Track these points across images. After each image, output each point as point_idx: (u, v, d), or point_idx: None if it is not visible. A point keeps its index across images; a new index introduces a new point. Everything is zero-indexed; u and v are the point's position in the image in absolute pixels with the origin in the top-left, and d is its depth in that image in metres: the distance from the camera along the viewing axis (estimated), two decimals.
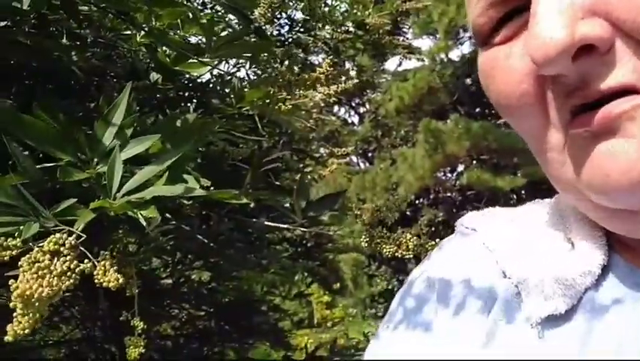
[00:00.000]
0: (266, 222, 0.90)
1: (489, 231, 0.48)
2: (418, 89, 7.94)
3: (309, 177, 1.52)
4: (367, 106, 10.25)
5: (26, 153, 0.59)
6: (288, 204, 0.93)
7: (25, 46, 0.76)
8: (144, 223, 0.55)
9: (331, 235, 2.41)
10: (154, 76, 1.02)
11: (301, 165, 1.95)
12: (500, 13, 0.37)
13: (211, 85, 1.32)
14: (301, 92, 1.00)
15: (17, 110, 0.68)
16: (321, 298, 7.63)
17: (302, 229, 0.78)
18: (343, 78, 1.18)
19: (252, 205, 0.91)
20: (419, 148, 7.61)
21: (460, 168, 8.56)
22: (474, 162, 8.01)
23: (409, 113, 8.61)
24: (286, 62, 1.00)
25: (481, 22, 0.38)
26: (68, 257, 0.47)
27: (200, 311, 2.11)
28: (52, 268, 0.46)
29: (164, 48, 0.96)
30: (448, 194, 8.87)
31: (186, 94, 1.31)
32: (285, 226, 0.83)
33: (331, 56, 1.57)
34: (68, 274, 0.47)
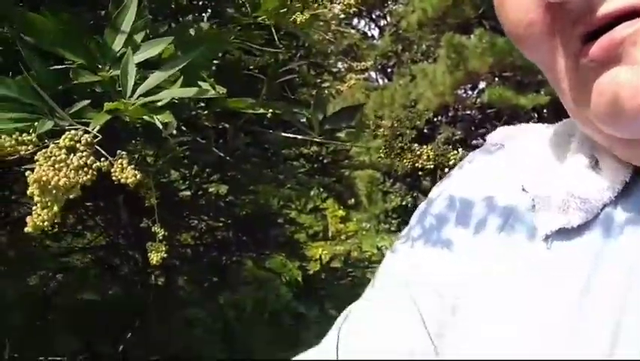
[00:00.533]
0: (282, 134, 0.89)
1: (516, 146, 0.47)
2: (442, 1, 7.56)
3: (326, 92, 1.50)
4: (388, 19, 9.85)
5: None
6: (304, 119, 0.92)
7: None
8: (160, 127, 0.55)
9: (348, 150, 2.41)
10: None
11: (318, 80, 1.91)
12: None
13: None
14: (319, 1, 0.96)
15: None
16: (335, 212, 7.79)
17: (318, 140, 0.77)
18: None
19: (268, 117, 0.90)
20: (440, 64, 7.38)
21: (482, 85, 8.34)
22: (496, 79, 7.78)
23: (432, 27, 8.27)
24: None
25: None
26: (84, 153, 0.48)
27: (219, 223, 2.17)
28: (68, 162, 0.47)
29: None
30: (468, 112, 8.72)
31: (200, 2, 1.26)
32: (301, 137, 0.82)
33: None
34: (85, 169, 0.47)
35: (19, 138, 0.48)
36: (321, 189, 2.84)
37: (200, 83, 0.65)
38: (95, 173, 0.48)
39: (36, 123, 0.50)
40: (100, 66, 0.61)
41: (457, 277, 0.43)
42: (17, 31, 0.58)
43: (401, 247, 0.50)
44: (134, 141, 1.04)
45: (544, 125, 0.49)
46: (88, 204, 1.92)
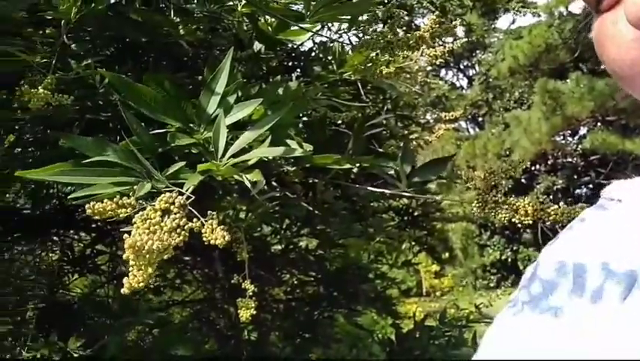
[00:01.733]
0: (369, 188, 0.88)
1: (637, 202, 0.41)
2: (535, 47, 7.37)
3: (414, 143, 1.48)
4: (477, 68, 9.73)
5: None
6: (392, 172, 0.90)
7: (136, 22, 0.80)
8: (249, 186, 0.56)
9: (438, 203, 2.34)
10: (257, 46, 1.03)
11: (406, 132, 1.89)
12: None
13: (313, 53, 1.31)
14: (405, 53, 0.96)
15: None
16: (429, 267, 7.54)
17: (407, 194, 0.75)
18: (451, 39, 1.11)
19: (354, 172, 0.90)
20: (535, 110, 7.11)
21: (582, 130, 7.88)
22: (598, 123, 7.32)
23: (524, 74, 8.04)
24: (388, 23, 0.96)
25: None
26: (177, 215, 0.50)
27: (309, 277, 2.16)
28: (162, 224, 0.49)
29: (265, 17, 0.97)
30: (568, 159, 8.22)
31: (289, 64, 1.32)
32: (390, 191, 0.80)
33: (437, 15, 1.48)
34: (178, 230, 0.49)
35: (120, 202, 0.51)
36: (413, 243, 2.76)
37: (287, 141, 0.66)
38: (186, 234, 0.50)
39: (135, 187, 0.53)
40: (195, 128, 0.65)
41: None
42: (124, 100, 0.63)
43: (506, 319, 0.44)
44: (228, 198, 1.08)
45: None
46: (186, 258, 2.00)
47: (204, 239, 0.51)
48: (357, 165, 0.79)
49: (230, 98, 0.65)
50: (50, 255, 1.93)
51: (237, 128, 0.63)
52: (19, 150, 1.32)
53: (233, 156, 0.59)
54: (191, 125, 0.63)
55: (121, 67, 0.88)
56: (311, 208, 0.99)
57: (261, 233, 1.99)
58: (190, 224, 0.50)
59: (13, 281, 1.67)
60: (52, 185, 1.53)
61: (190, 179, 0.55)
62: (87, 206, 0.49)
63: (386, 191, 0.84)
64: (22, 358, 1.30)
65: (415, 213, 2.33)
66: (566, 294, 0.40)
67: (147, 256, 0.47)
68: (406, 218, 2.29)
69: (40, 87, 0.64)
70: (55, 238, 1.73)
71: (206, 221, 0.52)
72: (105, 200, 0.50)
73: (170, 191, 0.52)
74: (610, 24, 0.36)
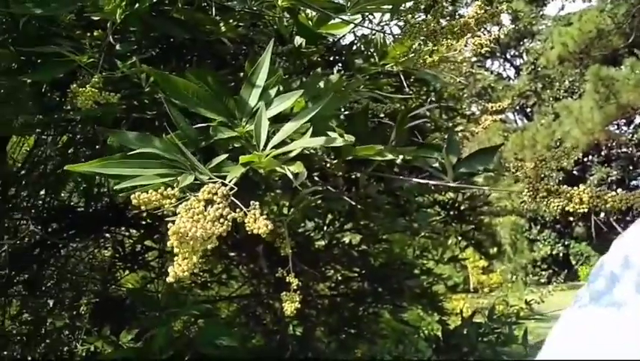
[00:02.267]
0: (414, 180, 0.86)
1: None
2: (585, 34, 7.07)
3: (459, 134, 1.44)
4: (525, 57, 9.43)
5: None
6: (437, 164, 0.88)
7: (179, 21, 0.81)
8: (291, 177, 0.56)
9: (486, 196, 2.28)
10: (298, 40, 1.03)
11: (451, 124, 1.85)
12: None
13: (355, 46, 1.30)
14: (449, 42, 0.93)
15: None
16: (477, 262, 7.37)
17: (452, 185, 0.72)
18: (496, 27, 1.07)
19: (398, 163, 0.88)
20: (587, 99, 6.83)
21: (638, 119, 7.51)
22: None
23: (574, 62, 7.74)
24: (431, 12, 0.94)
25: None
26: (220, 205, 0.50)
27: (353, 273, 2.15)
28: (205, 213, 0.49)
29: (306, 11, 0.96)
30: (623, 149, 7.86)
31: (331, 58, 1.31)
32: (435, 182, 0.78)
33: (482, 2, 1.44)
34: (221, 220, 0.50)
35: (164, 193, 0.52)
36: (459, 238, 2.70)
37: (328, 133, 0.66)
38: (229, 224, 0.50)
39: (179, 178, 0.54)
40: (237, 122, 0.65)
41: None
42: (168, 97, 0.64)
43: (574, 312, 0.44)
44: (271, 193, 1.08)
45: None
46: (232, 254, 2.03)
47: (247, 229, 0.51)
48: (401, 156, 0.77)
49: (271, 92, 0.65)
50: (103, 252, 2.01)
51: (278, 121, 0.63)
52: (72, 150, 1.38)
53: (275, 147, 0.59)
54: (233, 119, 0.64)
55: (165, 65, 0.90)
56: (354, 203, 0.98)
57: (305, 229, 2.00)
58: (233, 214, 0.50)
59: (69, 277, 1.75)
60: (103, 183, 1.58)
61: (232, 171, 0.55)
62: (132, 196, 0.50)
63: (431, 182, 0.81)
64: (77, 350, 1.35)
65: (462, 207, 2.28)
66: (630, 288, 0.39)
67: (191, 243, 0.48)
68: (452, 212, 2.24)
69: (87, 86, 0.66)
70: (107, 235, 1.80)
71: (248, 211, 0.52)
72: (150, 190, 0.51)
73: (214, 182, 0.53)
74: None
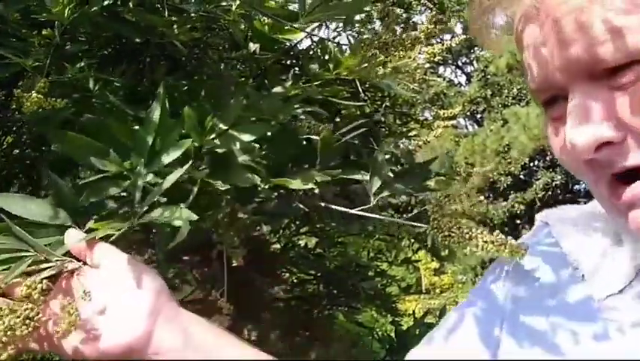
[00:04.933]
0: (335, 207, 0.83)
1: (559, 226, 0.59)
2: None
3: (412, 141, 1.47)
4: (475, 64, 9.72)
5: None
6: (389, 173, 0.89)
7: (130, 22, 0.79)
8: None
9: (438, 200, 2.33)
10: (252, 46, 1.02)
11: (405, 129, 1.88)
12: (543, 97, 0.50)
13: (312, 51, 1.30)
14: (402, 53, 0.95)
15: (128, 90, 0.71)
16: (428, 264, 7.53)
17: (409, 191, 0.73)
18: (448, 36, 1.10)
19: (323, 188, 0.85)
20: (533, 106, 7.10)
21: None
22: None
23: (522, 70, 8.04)
24: (384, 22, 0.95)
25: (535, 96, 0.51)
26: (29, 305, 0.47)
27: (309, 276, 2.16)
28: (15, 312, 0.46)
29: (261, 17, 0.96)
30: None
31: (287, 62, 1.31)
32: (356, 211, 0.76)
33: (434, 12, 1.48)
34: (26, 322, 0.46)
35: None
36: (412, 240, 2.75)
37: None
38: (37, 326, 0.47)
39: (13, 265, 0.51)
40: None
41: None
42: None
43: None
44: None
45: (576, 206, 0.61)
46: (185, 258, 2.00)
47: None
48: (328, 179, 0.72)
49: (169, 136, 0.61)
50: None
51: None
52: (18, 151, 1.32)
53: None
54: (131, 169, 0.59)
55: (116, 68, 0.88)
56: (307, 209, 0.98)
57: (260, 233, 1.99)
58: (42, 317, 0.47)
59: None
60: None
61: (102, 229, 0.52)
62: None
63: (352, 211, 0.76)
64: None
65: (415, 211, 2.32)
66: (503, 293, 0.62)
67: None
68: (404, 215, 2.28)
69: (33, 92, 0.64)
70: None
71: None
72: None
73: (62, 262, 0.48)
74: (554, 132, 0.51)
